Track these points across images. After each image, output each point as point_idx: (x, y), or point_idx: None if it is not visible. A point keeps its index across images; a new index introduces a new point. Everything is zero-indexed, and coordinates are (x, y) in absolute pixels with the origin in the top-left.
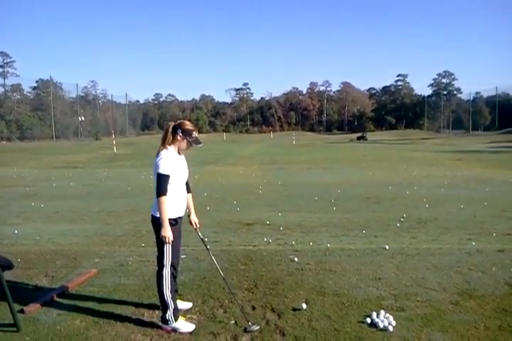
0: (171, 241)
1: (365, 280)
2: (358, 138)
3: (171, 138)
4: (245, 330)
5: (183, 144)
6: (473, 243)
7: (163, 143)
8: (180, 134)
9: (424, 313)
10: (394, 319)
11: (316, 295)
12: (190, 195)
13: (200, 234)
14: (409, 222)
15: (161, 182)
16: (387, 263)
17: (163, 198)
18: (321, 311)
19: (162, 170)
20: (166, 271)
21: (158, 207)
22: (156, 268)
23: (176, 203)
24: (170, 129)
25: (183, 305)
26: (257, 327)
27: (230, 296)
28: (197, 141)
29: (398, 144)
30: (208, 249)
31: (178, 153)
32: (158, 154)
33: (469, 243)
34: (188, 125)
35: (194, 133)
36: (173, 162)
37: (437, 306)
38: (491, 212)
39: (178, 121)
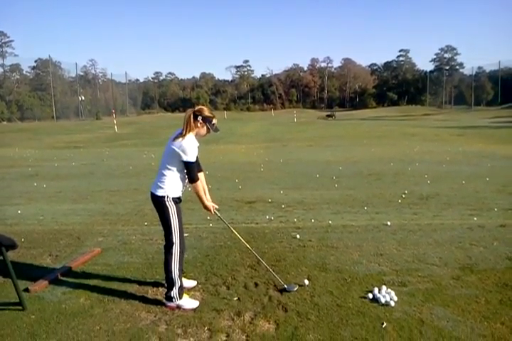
0: (215, 208)
1: (366, 256)
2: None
3: (192, 124)
4: (284, 291)
5: (203, 131)
6: (474, 218)
7: (187, 130)
8: (201, 121)
9: (426, 288)
10: (395, 294)
11: (318, 272)
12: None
13: (218, 213)
14: (411, 198)
15: (191, 170)
16: (388, 239)
17: (197, 183)
18: (323, 287)
19: (191, 159)
20: (176, 249)
21: (194, 191)
22: (165, 246)
23: (181, 184)
24: (192, 116)
25: (188, 283)
26: (296, 288)
27: (233, 273)
28: (216, 129)
29: (400, 120)
30: (227, 225)
31: None
32: (184, 139)
33: (471, 218)
34: (208, 111)
35: (214, 120)
36: (196, 149)
37: (439, 281)
38: (492, 187)
39: (196, 108)
